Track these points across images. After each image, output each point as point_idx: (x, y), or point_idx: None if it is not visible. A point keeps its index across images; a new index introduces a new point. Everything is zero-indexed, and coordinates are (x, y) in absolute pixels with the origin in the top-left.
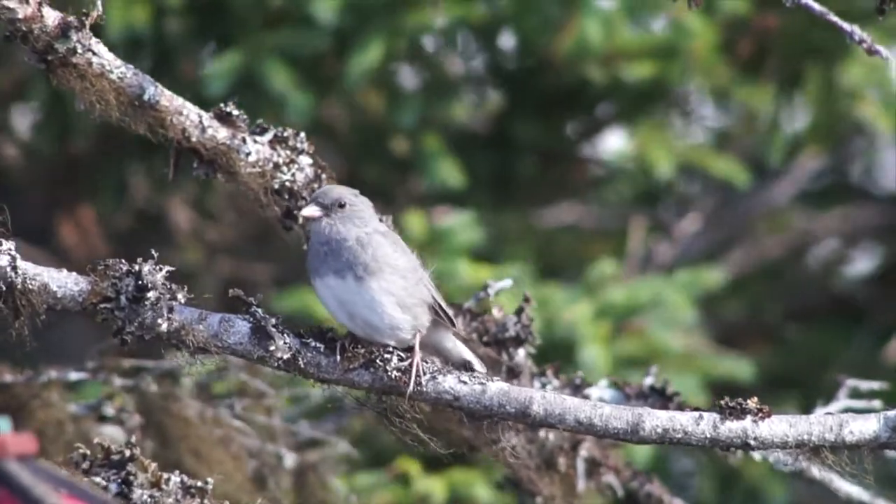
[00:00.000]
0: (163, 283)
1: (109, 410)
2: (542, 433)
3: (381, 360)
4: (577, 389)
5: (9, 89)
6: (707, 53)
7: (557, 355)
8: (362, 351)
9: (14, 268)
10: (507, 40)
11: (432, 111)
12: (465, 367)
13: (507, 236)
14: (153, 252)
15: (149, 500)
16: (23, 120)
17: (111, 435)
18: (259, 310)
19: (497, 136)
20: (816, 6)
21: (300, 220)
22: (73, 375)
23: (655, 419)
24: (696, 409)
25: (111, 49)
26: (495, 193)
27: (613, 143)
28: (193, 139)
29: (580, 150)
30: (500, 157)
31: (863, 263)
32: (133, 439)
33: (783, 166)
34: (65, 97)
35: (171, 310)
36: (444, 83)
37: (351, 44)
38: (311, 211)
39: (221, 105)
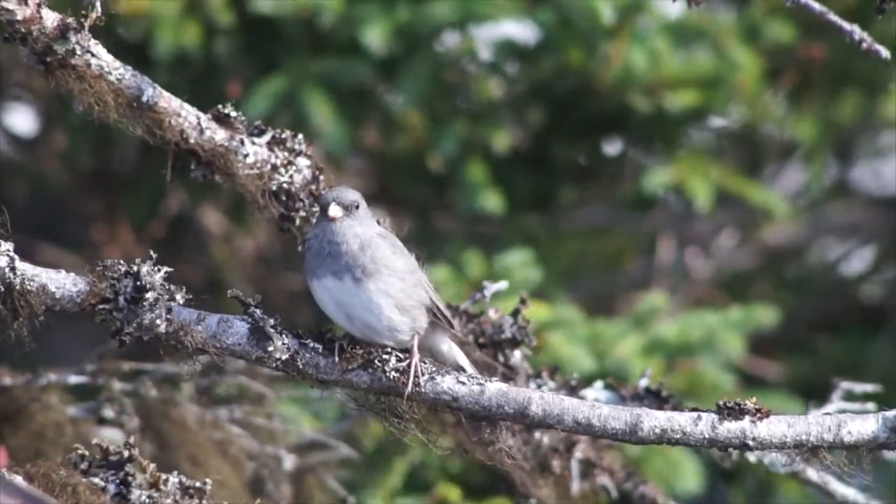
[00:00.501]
0: (161, 284)
1: (109, 413)
2: (536, 435)
3: (379, 361)
4: (573, 391)
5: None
6: (752, 83)
7: None
8: (361, 352)
9: (13, 269)
10: (550, 65)
11: (474, 136)
12: (458, 371)
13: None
14: (151, 253)
15: (147, 500)
16: (61, 130)
17: (110, 438)
18: (258, 311)
19: (537, 158)
20: (816, 5)
21: (317, 219)
22: (73, 379)
23: (654, 419)
24: (695, 409)
25: (159, 67)
26: (535, 213)
27: (654, 174)
28: (192, 140)
29: (620, 172)
30: (540, 178)
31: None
32: (132, 440)
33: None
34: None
35: (169, 311)
36: (487, 108)
37: (398, 72)
38: (336, 211)
39: (220, 106)
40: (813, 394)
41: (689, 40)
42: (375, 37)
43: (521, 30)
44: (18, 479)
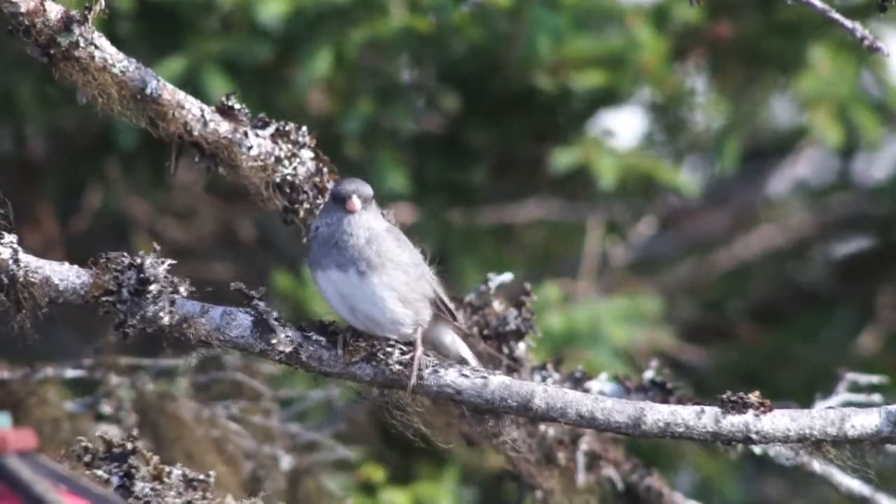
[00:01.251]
0: (165, 277)
1: (106, 409)
2: (542, 427)
3: (382, 354)
4: (578, 383)
5: None
6: (658, 63)
7: None
8: (364, 344)
9: (16, 260)
10: (456, 49)
11: (382, 117)
12: (462, 364)
13: (459, 236)
14: (155, 245)
15: (151, 493)
16: None
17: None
18: (261, 303)
19: (449, 141)
20: (818, 3)
21: (325, 210)
22: (70, 373)
23: (657, 413)
24: (698, 402)
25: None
26: (447, 197)
27: (561, 154)
28: (195, 133)
29: (533, 156)
30: (452, 163)
31: (831, 251)
32: (135, 432)
33: (736, 173)
34: (17, 96)
35: (172, 303)
36: (394, 90)
37: (298, 52)
38: (358, 204)
39: (223, 99)
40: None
41: (593, 21)
42: (272, 15)
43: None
44: (63, 468)
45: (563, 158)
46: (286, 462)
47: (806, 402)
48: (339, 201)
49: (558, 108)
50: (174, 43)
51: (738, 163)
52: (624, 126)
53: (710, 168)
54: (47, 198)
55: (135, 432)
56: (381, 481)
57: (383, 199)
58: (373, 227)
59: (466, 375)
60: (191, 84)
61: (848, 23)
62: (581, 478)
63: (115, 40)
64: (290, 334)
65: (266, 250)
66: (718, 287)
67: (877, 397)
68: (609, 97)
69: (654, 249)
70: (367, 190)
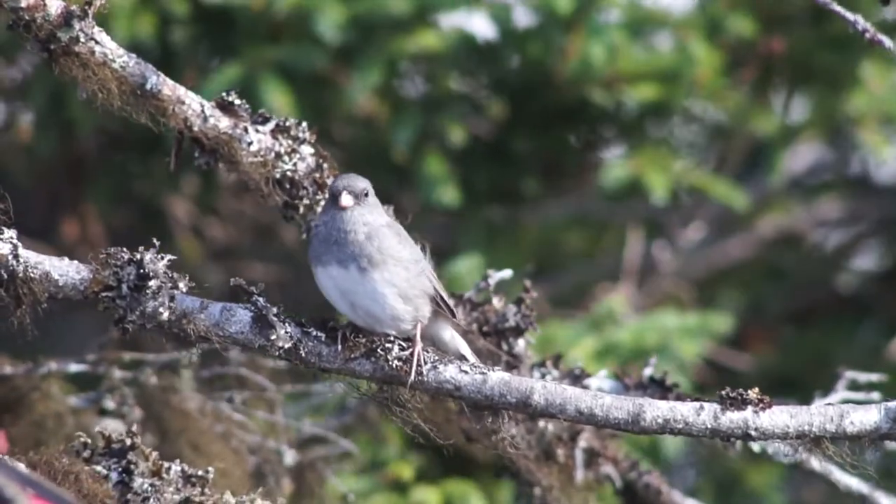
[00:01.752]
0: (164, 272)
1: (110, 404)
2: (541, 424)
3: (382, 350)
4: (577, 380)
5: (11, 89)
6: (711, 77)
7: None
8: (363, 340)
9: (16, 256)
10: (510, 61)
11: (432, 126)
12: (460, 360)
13: (504, 238)
14: (154, 241)
15: (149, 488)
16: (25, 119)
17: (112, 428)
18: (260, 299)
19: (497, 150)
20: None
21: (326, 206)
22: (73, 367)
23: (656, 409)
24: (697, 399)
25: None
26: (494, 206)
27: (613, 167)
28: (195, 128)
29: (581, 165)
30: (500, 171)
31: (866, 259)
32: (134, 428)
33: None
34: (65, 97)
35: (172, 299)
36: (446, 99)
37: (353, 61)
38: (348, 200)
39: (223, 94)
40: (787, 385)
41: (648, 34)
42: (329, 25)
43: (477, 23)
44: (29, 471)
45: (614, 172)
46: (290, 457)
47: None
48: (333, 198)
49: (609, 120)
50: (229, 49)
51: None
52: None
53: (759, 180)
54: (93, 197)
55: (136, 427)
56: (410, 479)
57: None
58: (370, 221)
59: (466, 371)
60: (247, 91)
61: (850, 15)
62: (580, 475)
63: (169, 45)
64: (289, 330)
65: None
66: (755, 291)
67: (876, 395)
68: (662, 110)
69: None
70: (360, 184)
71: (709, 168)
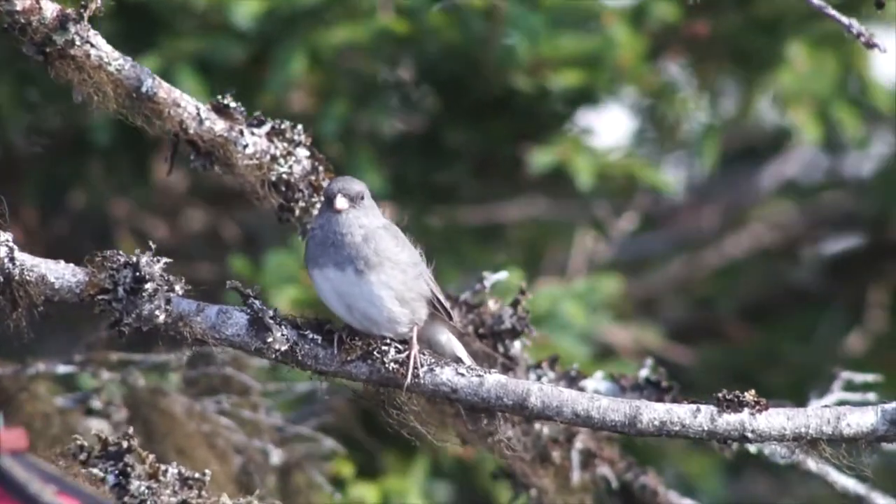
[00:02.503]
0: (160, 275)
1: (97, 404)
2: (536, 426)
3: (378, 353)
4: (573, 381)
5: None
6: (634, 61)
7: None
8: (360, 343)
9: (11, 259)
10: (434, 50)
11: (360, 118)
12: (457, 362)
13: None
14: (151, 243)
15: (146, 491)
16: None
17: (98, 429)
18: (257, 301)
19: (429, 141)
20: (816, 0)
21: (320, 209)
22: (61, 368)
23: (653, 412)
24: (694, 401)
25: None
26: (427, 198)
27: (539, 153)
28: (191, 131)
29: (513, 156)
30: (432, 163)
31: (823, 249)
32: (130, 430)
33: (715, 173)
34: None
35: (168, 301)
36: (373, 90)
37: (273, 53)
38: (342, 203)
39: (219, 97)
40: (738, 383)
41: (570, 20)
42: (246, 16)
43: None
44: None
45: (541, 158)
46: (276, 456)
47: (796, 401)
48: (328, 202)
49: (537, 108)
50: (150, 42)
51: (720, 161)
52: (609, 125)
53: (693, 166)
54: (29, 198)
55: (128, 429)
56: (350, 476)
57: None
58: (365, 223)
59: (462, 374)
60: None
61: (844, 19)
62: (576, 476)
63: None
64: (285, 332)
65: (251, 249)
66: (708, 286)
67: (872, 396)
68: (587, 96)
69: (644, 249)
70: (356, 187)
71: (643, 156)
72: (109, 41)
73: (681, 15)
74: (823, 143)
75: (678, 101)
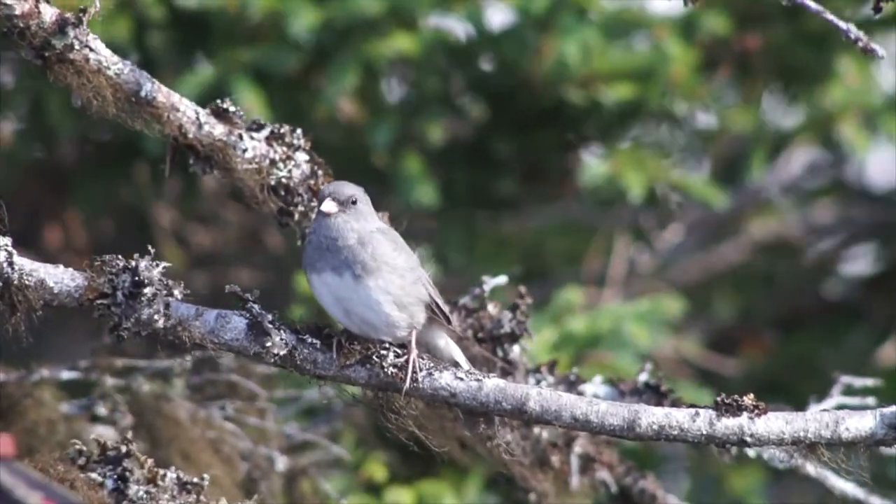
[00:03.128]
0: (159, 279)
1: (101, 410)
2: (536, 430)
3: (377, 357)
4: (572, 386)
5: None
6: (687, 75)
7: None
8: (358, 347)
9: (10, 263)
10: (486, 62)
11: (411, 128)
12: (455, 367)
13: (488, 243)
14: (149, 248)
15: (145, 496)
16: (6, 126)
17: (102, 435)
18: (256, 306)
19: (477, 153)
20: (813, 5)
21: (315, 213)
22: (66, 374)
23: (651, 416)
24: (692, 405)
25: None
26: (474, 208)
27: (591, 166)
28: (190, 135)
29: (562, 166)
30: (480, 173)
31: (858, 264)
32: (130, 435)
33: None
34: (47, 106)
35: (167, 306)
36: (423, 101)
37: (328, 63)
38: (329, 206)
39: (218, 101)
40: (776, 390)
41: (622, 33)
42: (302, 27)
43: (452, 24)
44: (39, 475)
45: (591, 171)
46: (281, 463)
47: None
48: (318, 205)
49: (588, 120)
50: (206, 52)
51: (765, 171)
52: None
53: (737, 177)
54: (75, 204)
55: (129, 434)
56: (383, 481)
57: (410, 210)
58: (356, 227)
59: (461, 378)
60: (220, 93)
61: (842, 24)
62: (575, 480)
63: (145, 49)
64: (284, 337)
65: (293, 257)
66: (745, 296)
67: (871, 400)
68: (638, 109)
69: (675, 256)
70: (347, 191)
71: (690, 168)
72: (166, 51)
73: (731, 28)
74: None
75: (728, 114)
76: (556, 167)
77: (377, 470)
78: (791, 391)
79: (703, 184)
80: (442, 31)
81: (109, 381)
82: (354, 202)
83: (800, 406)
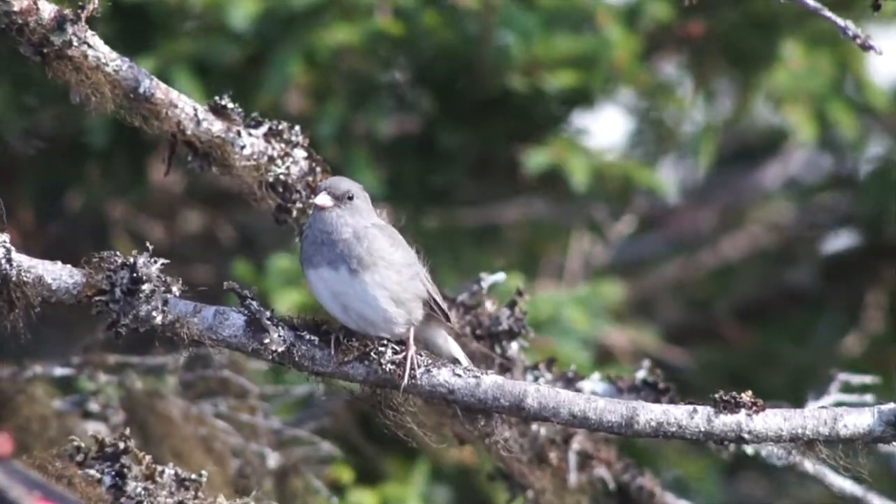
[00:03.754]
0: (157, 276)
1: (94, 407)
2: (534, 427)
3: (375, 353)
4: (570, 383)
5: None
6: (628, 61)
7: None
8: (357, 344)
9: (9, 260)
10: (429, 51)
11: (356, 120)
12: (454, 363)
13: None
14: (148, 244)
15: (143, 492)
16: None
17: (95, 432)
18: (254, 302)
19: (425, 143)
20: (811, 2)
21: (311, 208)
22: (58, 371)
23: (650, 413)
24: (690, 402)
25: None
26: (422, 199)
27: (534, 154)
28: (188, 132)
29: (510, 157)
30: (428, 163)
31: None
32: (127, 431)
33: (711, 174)
34: None
35: (165, 302)
36: (369, 91)
37: (270, 54)
38: (324, 200)
39: (216, 98)
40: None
41: (564, 21)
42: (242, 18)
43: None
44: (36, 474)
45: (536, 159)
46: (273, 459)
47: (793, 403)
48: (314, 199)
49: (532, 109)
50: (147, 44)
51: (716, 161)
52: (605, 126)
53: (691, 167)
54: (26, 200)
55: (126, 431)
56: (349, 482)
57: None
58: (352, 222)
59: (459, 375)
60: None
61: (840, 21)
62: (573, 477)
63: None
64: (282, 333)
65: (247, 251)
66: (704, 287)
67: (869, 397)
68: (583, 97)
69: (640, 250)
70: (343, 186)
71: (639, 157)
72: (106, 43)
73: (675, 14)
74: (820, 142)
75: (674, 101)
76: (503, 158)
77: (343, 471)
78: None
79: (648, 172)
80: (384, 19)
81: (102, 378)
82: (350, 198)
83: (765, 398)
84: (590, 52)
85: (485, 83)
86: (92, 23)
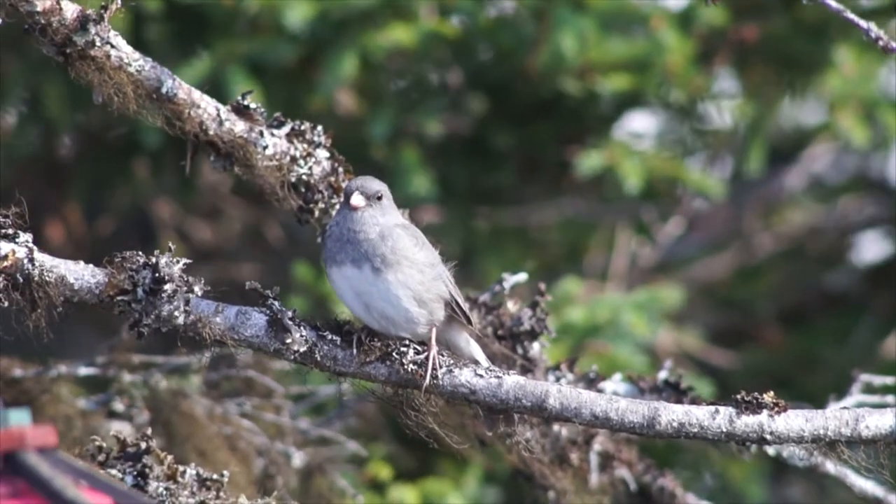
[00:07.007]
0: (180, 276)
1: (119, 406)
2: (555, 427)
3: (397, 354)
4: (592, 383)
5: None
6: (684, 66)
7: None
8: (379, 344)
9: (31, 259)
10: (484, 53)
11: (408, 121)
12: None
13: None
14: (170, 245)
15: (164, 492)
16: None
17: (118, 430)
18: (276, 302)
19: (475, 144)
20: (833, 3)
21: (338, 207)
22: (83, 370)
23: (671, 413)
24: (712, 402)
25: None
26: (472, 200)
27: (587, 157)
28: (211, 132)
29: (560, 159)
30: (478, 165)
31: (862, 255)
32: (149, 431)
33: (762, 175)
34: (45, 100)
35: (187, 302)
36: (422, 93)
37: (325, 55)
38: (358, 200)
39: (239, 98)
40: (777, 385)
41: (618, 24)
42: (298, 19)
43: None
44: (83, 464)
45: (588, 162)
46: (298, 459)
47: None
48: (345, 199)
49: (584, 112)
50: (202, 44)
51: (763, 163)
52: (650, 127)
53: (736, 169)
54: (75, 198)
55: (148, 430)
56: (388, 479)
57: (408, 202)
58: (381, 221)
59: (481, 375)
60: (215, 85)
61: (863, 23)
62: (594, 478)
63: (142, 42)
64: (304, 333)
65: (293, 250)
66: (740, 288)
67: (891, 398)
68: (635, 100)
69: (679, 250)
70: (374, 186)
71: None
72: (161, 44)
73: (728, 19)
74: (868, 145)
75: (725, 105)
76: (553, 160)
77: (382, 468)
78: (794, 386)
79: (696, 173)
80: (439, 21)
81: (127, 377)
82: (380, 198)
83: (805, 401)
84: (643, 55)
85: (537, 86)
86: (147, 23)
